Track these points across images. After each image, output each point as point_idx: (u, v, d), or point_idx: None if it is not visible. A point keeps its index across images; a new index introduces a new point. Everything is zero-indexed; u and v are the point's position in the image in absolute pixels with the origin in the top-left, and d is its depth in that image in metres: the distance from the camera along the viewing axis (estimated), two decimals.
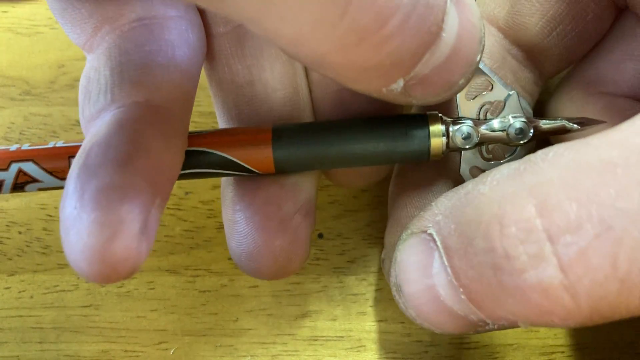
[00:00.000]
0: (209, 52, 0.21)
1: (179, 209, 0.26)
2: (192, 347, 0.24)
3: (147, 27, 0.19)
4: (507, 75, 0.21)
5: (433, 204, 0.16)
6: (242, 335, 0.24)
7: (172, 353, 0.24)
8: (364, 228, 0.25)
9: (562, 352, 0.24)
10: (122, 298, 0.25)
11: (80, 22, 0.19)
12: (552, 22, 0.20)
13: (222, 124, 0.21)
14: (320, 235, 0.25)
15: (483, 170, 0.20)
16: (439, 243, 0.15)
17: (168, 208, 0.25)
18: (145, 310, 0.24)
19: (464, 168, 0.20)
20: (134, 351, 0.24)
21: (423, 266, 0.16)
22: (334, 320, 0.24)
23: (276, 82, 0.20)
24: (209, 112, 0.27)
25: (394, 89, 0.15)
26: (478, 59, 0.16)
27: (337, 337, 0.24)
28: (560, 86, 0.22)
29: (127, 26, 0.19)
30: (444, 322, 0.16)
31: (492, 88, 0.20)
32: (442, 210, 0.16)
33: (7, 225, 0.26)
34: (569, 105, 0.21)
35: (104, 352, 0.24)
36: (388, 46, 0.14)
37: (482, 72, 0.19)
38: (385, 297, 0.24)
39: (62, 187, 0.18)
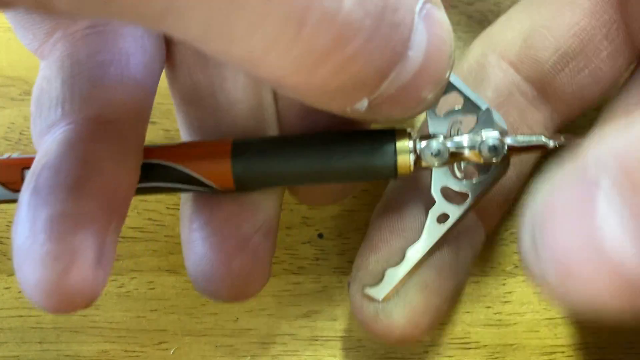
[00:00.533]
0: (171, 60, 0.20)
1: (179, 209, 0.26)
2: (192, 347, 0.24)
3: (101, 35, 0.18)
4: (511, 112, 0.21)
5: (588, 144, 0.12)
6: (242, 335, 0.24)
7: (172, 353, 0.24)
8: (364, 228, 0.25)
9: (563, 352, 0.24)
10: (122, 298, 0.24)
11: (33, 26, 0.18)
12: (565, 57, 0.20)
13: (184, 136, 0.20)
14: (320, 235, 0.25)
15: (454, 191, 0.19)
16: (608, 181, 0.11)
17: (168, 208, 0.25)
18: (145, 310, 0.24)
19: (435, 188, 0.19)
20: (134, 351, 0.24)
21: (583, 209, 0.12)
22: (334, 320, 0.24)
23: (239, 94, 0.19)
24: None
25: (359, 108, 0.15)
26: (447, 75, 0.15)
27: (337, 337, 0.24)
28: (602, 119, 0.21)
29: (79, 33, 0.18)
30: (600, 286, 0.11)
31: (464, 103, 0.18)
32: (604, 150, 0.12)
33: (7, 225, 0.26)
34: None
35: (104, 352, 0.24)
36: (350, 69, 0.13)
37: (454, 87, 0.18)
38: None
39: (15, 200, 0.17)
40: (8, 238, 0.25)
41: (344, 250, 0.25)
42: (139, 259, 0.25)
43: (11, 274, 0.25)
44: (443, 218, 0.19)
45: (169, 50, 0.20)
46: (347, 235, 0.25)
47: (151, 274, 0.25)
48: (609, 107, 0.21)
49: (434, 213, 0.19)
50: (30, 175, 0.16)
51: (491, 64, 0.21)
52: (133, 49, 0.18)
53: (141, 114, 0.18)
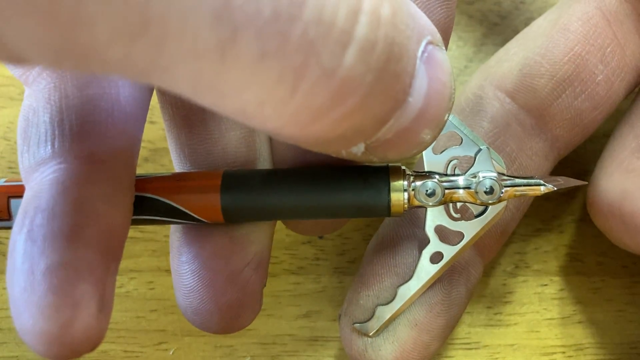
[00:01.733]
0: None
1: None
2: (192, 347, 0.24)
3: None
4: (508, 143, 0.20)
5: None
6: (242, 335, 0.24)
7: (172, 353, 0.24)
8: (364, 228, 0.25)
9: (563, 352, 0.24)
10: (122, 298, 0.24)
11: None
12: (562, 83, 0.20)
13: (175, 161, 0.20)
14: (320, 236, 0.25)
15: (449, 230, 0.19)
16: None
17: None
18: (145, 310, 0.24)
19: (430, 226, 0.18)
20: (134, 351, 0.24)
21: None
22: (334, 320, 0.24)
23: (231, 122, 0.19)
24: None
25: (355, 151, 0.14)
26: (446, 117, 0.14)
27: (337, 337, 0.24)
28: (605, 158, 0.21)
29: None
30: None
31: (461, 142, 0.18)
32: None
33: None
34: (616, 177, 0.20)
35: (104, 353, 0.24)
36: (348, 122, 0.13)
37: (452, 125, 0.18)
38: None
39: (1, 228, 0.17)
40: (7, 238, 0.25)
41: (344, 250, 0.25)
42: (139, 259, 0.25)
43: None
44: (437, 257, 0.19)
45: None
46: (347, 235, 0.25)
47: (151, 274, 0.25)
48: (616, 134, 0.21)
49: (427, 252, 0.19)
50: (22, 217, 0.16)
51: (488, 95, 0.21)
52: (122, 81, 0.18)
53: (132, 148, 0.18)
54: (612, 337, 0.24)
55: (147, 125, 0.25)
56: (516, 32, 0.26)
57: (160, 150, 0.26)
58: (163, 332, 0.24)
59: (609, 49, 0.20)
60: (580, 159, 0.25)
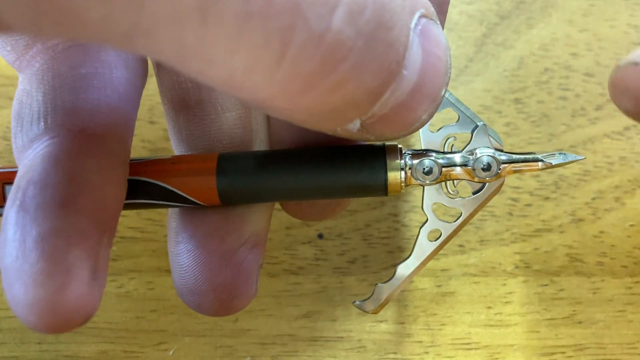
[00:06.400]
0: (160, 67, 0.19)
1: None
2: (192, 347, 0.24)
3: (82, 48, 0.18)
4: None
5: None
6: (242, 335, 0.24)
7: (172, 354, 0.24)
8: (364, 228, 0.25)
9: (563, 352, 0.24)
10: (122, 298, 0.24)
11: (10, 38, 0.18)
12: None
13: (173, 143, 0.20)
14: (320, 236, 0.25)
15: (446, 207, 0.19)
16: None
17: None
18: (145, 310, 0.24)
19: (427, 204, 0.19)
20: (133, 352, 0.24)
21: None
22: (334, 320, 0.24)
23: (227, 102, 0.19)
24: None
25: (350, 128, 0.14)
26: (443, 93, 0.14)
27: (337, 337, 0.24)
28: None
29: (60, 46, 0.18)
30: None
31: (458, 119, 0.18)
32: None
33: None
34: None
35: (103, 353, 0.24)
36: (340, 91, 0.12)
37: (448, 102, 0.18)
38: None
39: None
40: None
41: (344, 250, 0.25)
42: (138, 259, 0.25)
43: None
44: (434, 235, 0.19)
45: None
46: (347, 235, 0.25)
47: (150, 274, 0.25)
48: None
49: (425, 230, 0.19)
50: (14, 192, 0.15)
51: None
52: (115, 62, 0.18)
53: (126, 127, 0.18)
54: (612, 337, 0.24)
55: (147, 125, 0.25)
56: (516, 32, 0.26)
57: (160, 150, 0.26)
58: (163, 332, 0.24)
59: None
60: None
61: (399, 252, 0.25)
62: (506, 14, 0.27)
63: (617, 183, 0.25)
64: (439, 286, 0.24)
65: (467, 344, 0.24)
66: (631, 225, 0.25)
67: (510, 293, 0.24)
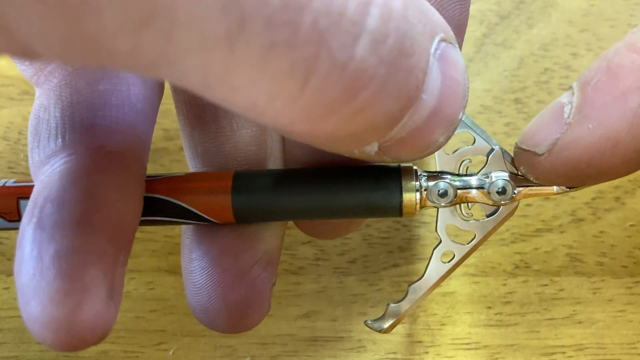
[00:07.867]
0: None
1: None
2: (192, 347, 0.24)
3: None
4: None
5: None
6: (242, 335, 0.24)
7: (172, 354, 0.24)
8: (364, 228, 0.25)
9: (563, 352, 0.24)
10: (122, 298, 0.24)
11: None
12: None
13: (188, 158, 0.20)
14: None
15: (460, 230, 0.19)
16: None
17: None
18: (145, 310, 0.24)
19: (441, 226, 0.19)
20: (133, 352, 0.24)
21: None
22: (334, 320, 0.24)
23: (243, 119, 0.19)
24: None
25: (368, 151, 0.14)
26: (460, 117, 0.14)
27: (337, 337, 0.24)
28: None
29: None
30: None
31: (474, 142, 0.18)
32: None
33: None
34: None
35: (103, 353, 0.24)
36: (360, 117, 0.12)
37: (464, 125, 0.18)
38: (386, 298, 0.24)
39: (9, 229, 0.17)
40: (8, 238, 0.25)
41: (344, 250, 0.25)
42: (138, 259, 0.25)
43: (10, 274, 0.25)
44: (448, 256, 0.19)
45: None
46: (347, 235, 0.25)
47: (150, 274, 0.25)
48: None
49: (438, 252, 0.19)
50: (31, 208, 0.15)
51: None
52: (133, 79, 0.18)
53: (142, 144, 0.18)
54: (612, 337, 0.24)
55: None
56: (516, 32, 0.26)
57: (161, 150, 0.26)
58: (163, 332, 0.24)
59: None
60: None
61: (399, 252, 0.25)
62: (506, 14, 0.27)
63: (617, 183, 0.25)
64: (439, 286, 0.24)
65: (467, 344, 0.24)
66: (631, 225, 0.25)
67: (510, 293, 0.24)
